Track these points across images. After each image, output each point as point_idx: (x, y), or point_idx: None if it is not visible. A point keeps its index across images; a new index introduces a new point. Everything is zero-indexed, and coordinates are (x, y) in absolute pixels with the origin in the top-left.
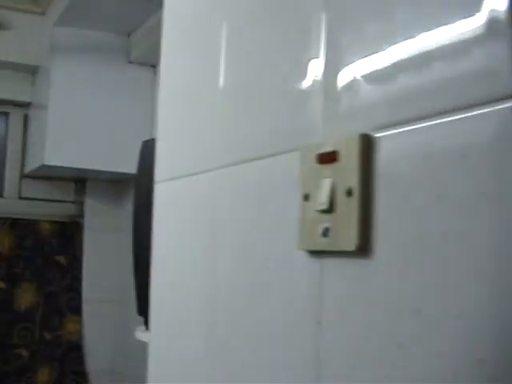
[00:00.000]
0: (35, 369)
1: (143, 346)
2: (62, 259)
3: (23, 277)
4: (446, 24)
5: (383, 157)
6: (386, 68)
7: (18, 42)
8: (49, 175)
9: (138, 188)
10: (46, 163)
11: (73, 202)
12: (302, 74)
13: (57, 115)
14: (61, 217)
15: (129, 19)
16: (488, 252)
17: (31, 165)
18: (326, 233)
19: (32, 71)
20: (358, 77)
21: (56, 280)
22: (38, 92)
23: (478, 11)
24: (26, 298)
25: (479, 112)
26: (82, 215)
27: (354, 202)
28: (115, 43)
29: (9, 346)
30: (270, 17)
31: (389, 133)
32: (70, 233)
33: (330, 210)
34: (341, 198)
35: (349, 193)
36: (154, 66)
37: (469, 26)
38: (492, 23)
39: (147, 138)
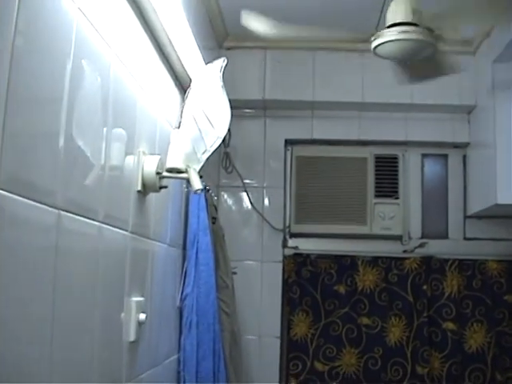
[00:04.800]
0: None
1: None
2: (510, 299)
3: (473, 318)
4: None
5: None
6: None
7: (455, 84)
8: (493, 214)
9: None
10: (500, 202)
11: None
12: None
13: (505, 152)
14: (508, 256)
15: None
16: None
17: (477, 205)
18: None
19: (468, 111)
20: None
21: (505, 320)
22: (477, 131)
23: None
24: (476, 339)
25: None
26: None
27: None
28: None
29: None
30: None
31: None
32: None
33: None
34: None
35: None
36: None
37: None
38: None
39: None
